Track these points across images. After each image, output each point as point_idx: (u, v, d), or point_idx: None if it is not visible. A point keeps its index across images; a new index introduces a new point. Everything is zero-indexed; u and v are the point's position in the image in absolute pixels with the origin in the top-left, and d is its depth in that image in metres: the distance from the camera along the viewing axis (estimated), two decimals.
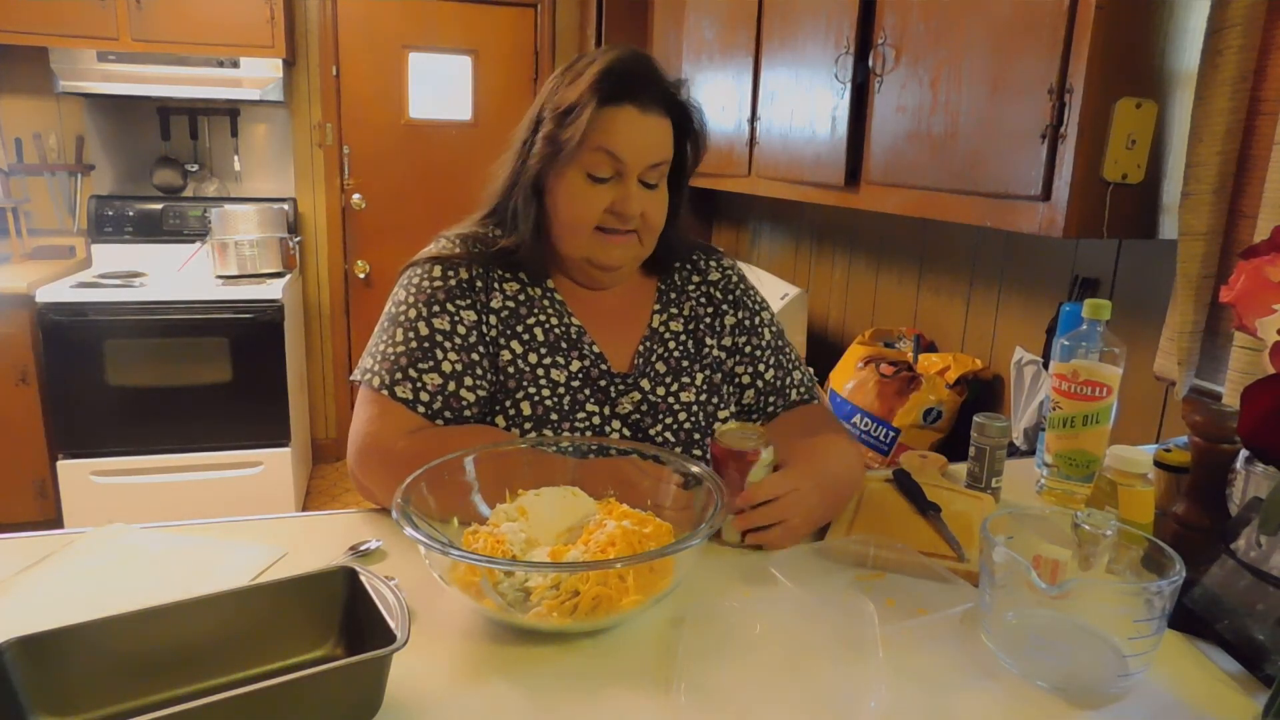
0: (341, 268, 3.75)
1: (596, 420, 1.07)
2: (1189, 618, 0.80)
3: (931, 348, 2.12)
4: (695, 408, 1.11)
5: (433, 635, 0.76)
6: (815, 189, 1.91)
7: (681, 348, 1.14)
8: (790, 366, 1.20)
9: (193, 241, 3.39)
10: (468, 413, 1.03)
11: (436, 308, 1.04)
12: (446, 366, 1.02)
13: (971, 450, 1.11)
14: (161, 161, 3.45)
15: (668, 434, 1.09)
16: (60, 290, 2.87)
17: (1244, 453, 0.87)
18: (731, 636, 0.77)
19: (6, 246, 3.26)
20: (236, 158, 3.56)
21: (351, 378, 1.06)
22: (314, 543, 0.93)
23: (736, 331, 1.17)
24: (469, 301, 1.06)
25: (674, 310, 1.16)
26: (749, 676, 0.72)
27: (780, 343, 1.20)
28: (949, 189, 1.44)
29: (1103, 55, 1.14)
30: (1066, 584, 0.70)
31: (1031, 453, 1.60)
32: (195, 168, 3.50)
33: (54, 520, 2.93)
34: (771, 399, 1.18)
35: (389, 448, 0.97)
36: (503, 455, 0.94)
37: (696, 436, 1.11)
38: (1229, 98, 1.12)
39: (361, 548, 0.91)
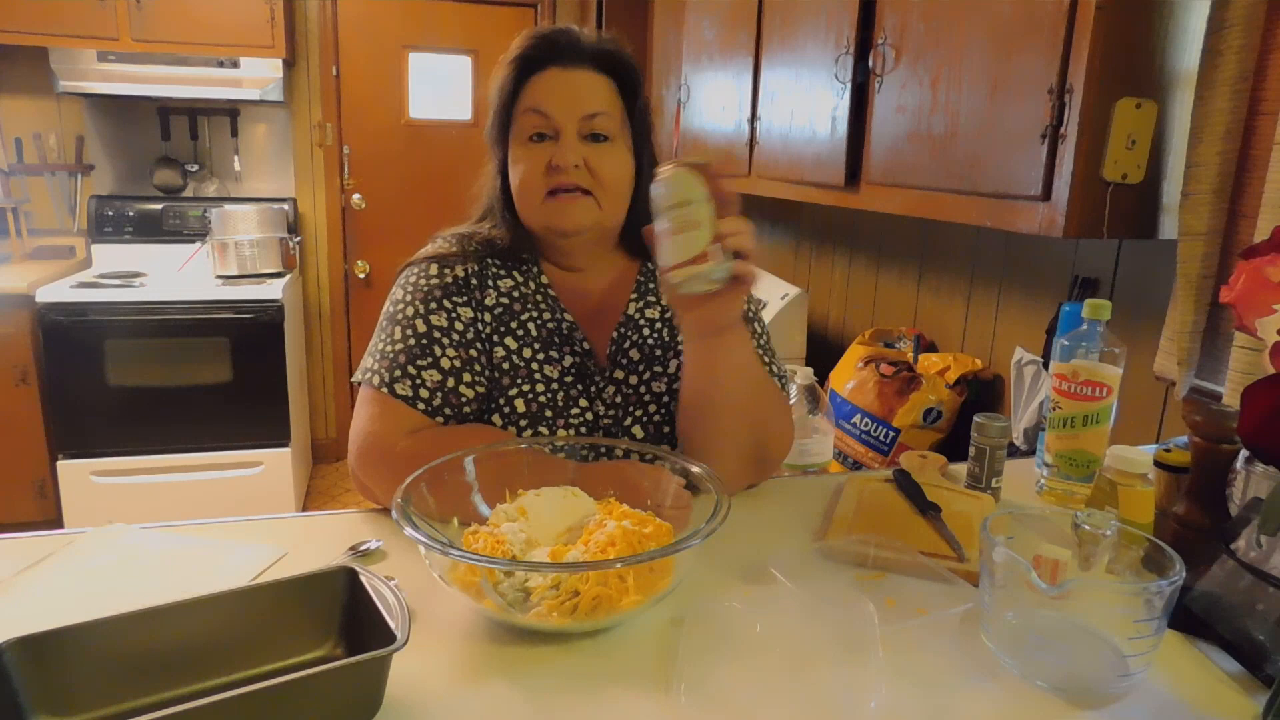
0: (341, 268, 3.75)
1: (590, 416, 1.07)
2: (1189, 618, 0.80)
3: (931, 348, 2.12)
4: (666, 398, 1.10)
5: (433, 635, 0.76)
6: (815, 189, 1.91)
7: (656, 335, 1.12)
8: (766, 360, 1.15)
9: (193, 241, 3.39)
10: (467, 409, 1.03)
11: (434, 305, 1.04)
12: (445, 363, 1.02)
13: (971, 450, 1.11)
14: (161, 161, 3.45)
15: (636, 427, 1.08)
16: (60, 290, 2.87)
17: (1244, 453, 0.87)
18: (731, 636, 0.76)
19: (6, 246, 3.26)
20: (236, 158, 3.56)
21: (353, 379, 1.07)
22: (314, 543, 0.93)
23: None
24: (465, 299, 1.06)
25: (651, 299, 1.15)
26: (749, 676, 0.72)
27: (762, 341, 1.17)
28: (949, 189, 1.44)
29: (1103, 55, 1.14)
30: (1066, 584, 0.70)
31: (1031, 453, 1.60)
32: (195, 168, 3.50)
33: (54, 520, 2.93)
34: None
35: (389, 447, 0.98)
36: (503, 455, 0.94)
37: (666, 429, 1.09)
38: (1229, 98, 1.12)
39: (361, 548, 0.92)
